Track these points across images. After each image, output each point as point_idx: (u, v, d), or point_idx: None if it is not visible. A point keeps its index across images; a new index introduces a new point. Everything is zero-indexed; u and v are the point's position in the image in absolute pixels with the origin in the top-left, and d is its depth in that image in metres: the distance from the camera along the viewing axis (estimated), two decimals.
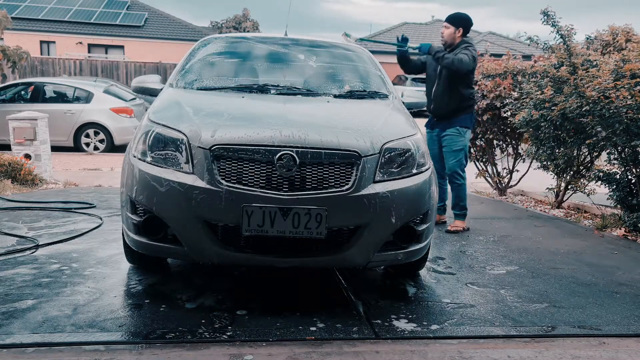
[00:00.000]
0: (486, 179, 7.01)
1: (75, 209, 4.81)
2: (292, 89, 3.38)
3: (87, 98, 10.37)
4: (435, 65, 4.47)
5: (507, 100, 6.09)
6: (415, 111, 3.57)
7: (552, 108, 5.10)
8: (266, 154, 2.44)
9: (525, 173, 6.63)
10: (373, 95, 3.49)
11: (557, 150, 5.49)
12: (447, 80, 4.36)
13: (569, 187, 5.84)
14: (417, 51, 4.49)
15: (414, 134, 2.90)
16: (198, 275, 3.09)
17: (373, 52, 4.48)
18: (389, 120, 2.99)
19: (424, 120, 4.70)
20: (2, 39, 13.80)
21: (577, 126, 5.00)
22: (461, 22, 4.41)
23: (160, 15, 24.40)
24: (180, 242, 2.51)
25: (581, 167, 5.67)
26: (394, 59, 4.62)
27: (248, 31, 28.12)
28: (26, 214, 4.55)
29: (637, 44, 5.01)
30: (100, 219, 4.41)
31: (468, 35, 4.47)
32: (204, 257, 2.53)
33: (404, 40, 4.59)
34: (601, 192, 5.36)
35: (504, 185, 6.87)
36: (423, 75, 4.74)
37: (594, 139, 4.77)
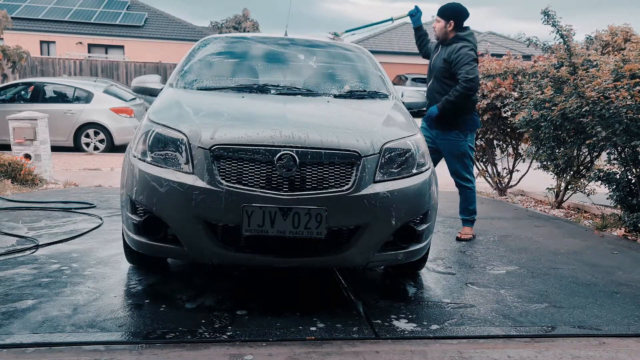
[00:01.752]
0: (486, 179, 7.02)
1: (75, 209, 4.81)
2: (292, 89, 3.38)
3: (87, 98, 10.37)
4: (432, 60, 4.19)
5: (508, 100, 6.09)
6: (415, 111, 3.57)
7: (552, 108, 5.11)
8: (266, 154, 2.44)
9: (525, 173, 6.63)
10: (373, 95, 3.49)
11: (557, 150, 5.49)
12: (440, 77, 4.06)
13: (569, 187, 5.85)
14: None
15: (414, 134, 2.90)
16: (198, 275, 3.09)
17: (373, 52, 4.46)
18: (389, 120, 2.99)
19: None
20: (2, 39, 13.81)
21: (577, 126, 5.00)
22: (451, 14, 4.00)
23: (160, 15, 24.38)
24: (180, 242, 2.51)
25: (581, 167, 5.67)
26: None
27: (248, 31, 28.10)
28: (26, 214, 4.55)
29: (636, 44, 5.01)
30: (100, 219, 4.41)
31: (465, 27, 4.05)
32: (204, 257, 2.53)
33: (415, 12, 4.30)
34: (601, 192, 5.36)
35: (504, 185, 6.88)
36: (424, 75, 4.57)
37: (594, 139, 4.77)
